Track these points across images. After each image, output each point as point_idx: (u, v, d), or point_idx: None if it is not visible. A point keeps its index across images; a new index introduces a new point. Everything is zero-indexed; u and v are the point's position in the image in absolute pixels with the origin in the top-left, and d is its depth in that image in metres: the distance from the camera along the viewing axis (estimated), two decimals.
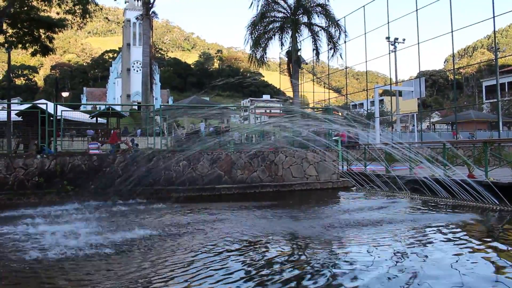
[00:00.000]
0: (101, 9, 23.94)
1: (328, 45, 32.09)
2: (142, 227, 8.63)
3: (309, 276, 5.65)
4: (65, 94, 59.67)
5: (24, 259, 6.32)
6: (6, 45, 21.32)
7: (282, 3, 32.16)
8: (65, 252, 6.63)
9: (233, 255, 6.66)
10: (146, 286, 5.32)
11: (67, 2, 21.27)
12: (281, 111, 36.24)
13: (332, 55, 32.20)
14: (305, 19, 32.50)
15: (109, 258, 6.46)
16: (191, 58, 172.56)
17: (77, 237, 7.65)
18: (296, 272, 5.82)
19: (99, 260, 6.34)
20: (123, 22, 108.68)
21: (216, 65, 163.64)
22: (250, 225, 9.04)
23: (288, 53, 33.05)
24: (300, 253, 6.99)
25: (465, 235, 8.13)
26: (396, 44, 37.90)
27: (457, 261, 6.21)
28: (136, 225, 8.90)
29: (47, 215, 10.25)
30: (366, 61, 37.94)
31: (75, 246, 6.95)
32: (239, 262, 6.27)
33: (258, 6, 31.71)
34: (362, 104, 73.72)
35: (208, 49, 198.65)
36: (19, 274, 5.78)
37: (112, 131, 17.84)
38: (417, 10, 27.16)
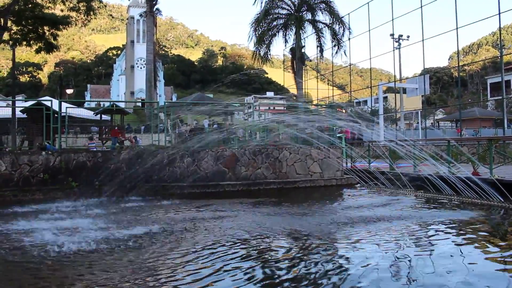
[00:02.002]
0: (105, 6, 23.98)
1: (332, 42, 32.12)
2: (152, 223, 8.75)
3: (313, 271, 5.66)
4: (69, 91, 59.82)
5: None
6: (10, 42, 21.36)
7: (286, 0, 32.12)
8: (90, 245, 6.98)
9: (240, 252, 6.69)
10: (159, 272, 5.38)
11: None
12: (285, 108, 36.20)
13: (336, 52, 32.23)
14: (309, 16, 32.47)
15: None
16: (194, 55, 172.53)
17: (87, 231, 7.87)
18: (301, 267, 5.84)
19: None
20: (127, 19, 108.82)
21: (220, 62, 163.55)
22: (255, 222, 9.06)
23: (292, 50, 32.99)
24: (304, 249, 6.99)
25: (469, 232, 8.12)
26: (401, 41, 37.63)
27: (461, 258, 6.21)
28: (145, 221, 9.07)
29: (62, 211, 10.46)
30: (370, 58, 37.79)
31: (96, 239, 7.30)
32: (246, 258, 6.29)
33: (262, 3, 31.73)
34: (366, 101, 73.48)
35: (212, 46, 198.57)
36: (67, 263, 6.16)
37: (115, 128, 18.00)
38: (421, 6, 27.03)
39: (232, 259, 6.23)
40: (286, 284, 5.25)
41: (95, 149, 15.41)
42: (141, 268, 5.82)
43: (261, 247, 7.09)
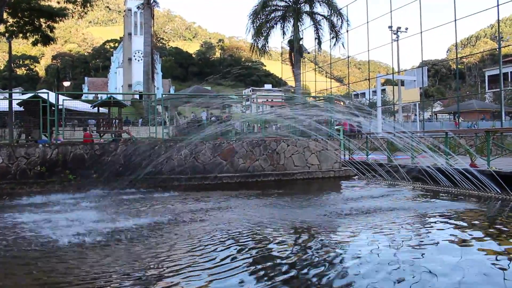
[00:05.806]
0: None
1: (330, 34, 32.04)
2: (154, 216, 8.79)
3: (309, 265, 5.67)
4: (66, 84, 59.53)
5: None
6: (7, 34, 21.24)
7: None
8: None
9: (238, 243, 6.70)
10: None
11: None
12: (282, 100, 36.19)
13: (334, 44, 32.19)
14: (307, 8, 32.33)
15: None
16: (192, 48, 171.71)
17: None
18: (296, 258, 5.85)
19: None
20: (124, 11, 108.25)
21: (217, 54, 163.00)
22: (252, 214, 9.07)
23: (290, 42, 32.90)
24: (300, 241, 7.00)
25: (465, 223, 8.13)
26: (399, 33, 37.55)
27: (457, 249, 6.22)
28: (146, 213, 9.11)
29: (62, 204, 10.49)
30: (368, 50, 37.47)
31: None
32: (242, 250, 6.30)
33: None
34: (364, 93, 73.45)
35: (210, 38, 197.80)
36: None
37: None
38: None
39: (230, 248, 6.25)
40: (284, 276, 5.26)
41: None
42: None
43: (259, 238, 7.10)
